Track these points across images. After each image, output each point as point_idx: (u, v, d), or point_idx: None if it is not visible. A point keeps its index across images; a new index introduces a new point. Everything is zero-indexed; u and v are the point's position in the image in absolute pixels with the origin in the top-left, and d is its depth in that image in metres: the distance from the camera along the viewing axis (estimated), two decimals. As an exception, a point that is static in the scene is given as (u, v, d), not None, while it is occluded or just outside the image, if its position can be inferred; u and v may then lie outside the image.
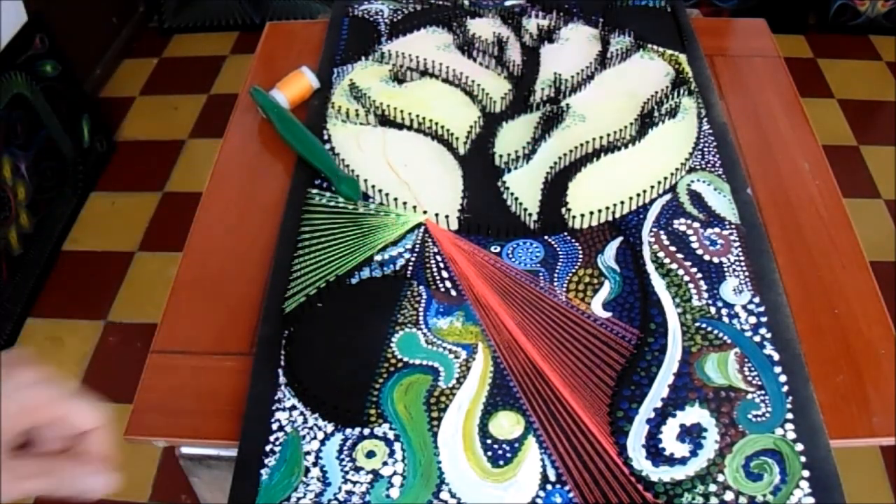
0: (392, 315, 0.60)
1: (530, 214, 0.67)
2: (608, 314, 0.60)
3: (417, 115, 0.76)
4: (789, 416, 0.53)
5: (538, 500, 0.50)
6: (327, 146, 0.75)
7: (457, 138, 0.75)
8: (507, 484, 0.51)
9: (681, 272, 0.62)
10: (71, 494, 0.42)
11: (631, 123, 0.74)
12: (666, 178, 0.69)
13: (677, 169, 0.70)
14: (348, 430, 0.54)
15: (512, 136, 0.74)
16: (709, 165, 0.71)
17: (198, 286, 0.66)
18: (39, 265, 1.68)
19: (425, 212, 0.67)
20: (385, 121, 0.77)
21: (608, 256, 0.64)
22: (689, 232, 0.65)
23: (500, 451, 0.52)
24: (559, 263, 0.64)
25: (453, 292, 0.62)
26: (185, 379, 0.59)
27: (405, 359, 0.58)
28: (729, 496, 0.49)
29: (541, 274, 0.63)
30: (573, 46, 0.85)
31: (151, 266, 1.73)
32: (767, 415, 0.53)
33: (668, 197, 0.68)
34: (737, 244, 0.64)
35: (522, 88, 0.80)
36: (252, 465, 0.52)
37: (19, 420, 0.41)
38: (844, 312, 0.61)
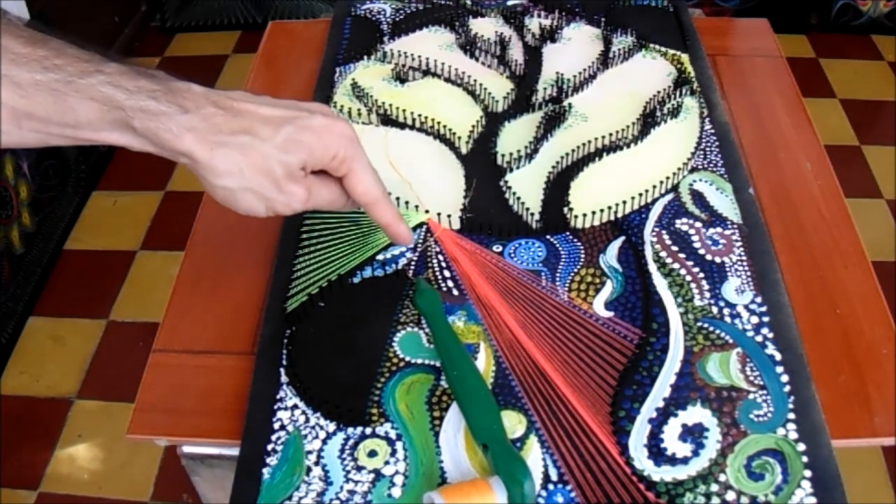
0: (394, 314, 0.60)
1: (532, 214, 0.67)
2: (610, 314, 0.60)
3: (419, 115, 0.76)
4: (791, 416, 0.53)
5: (540, 500, 0.50)
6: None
7: (459, 138, 0.75)
8: (509, 483, 0.50)
9: (683, 272, 0.62)
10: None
11: (633, 123, 0.74)
12: (668, 178, 0.69)
13: (679, 168, 0.70)
14: (350, 430, 0.54)
15: (514, 136, 0.75)
16: (711, 165, 0.71)
17: (199, 285, 0.66)
18: (41, 264, 1.68)
19: (427, 211, 0.68)
20: (387, 120, 0.77)
21: (610, 256, 0.64)
22: (692, 231, 0.65)
23: (501, 451, 0.52)
24: (561, 263, 0.64)
25: (455, 292, 0.62)
26: (186, 378, 0.59)
27: (407, 358, 0.58)
28: (731, 496, 0.49)
29: (543, 273, 0.63)
30: (575, 46, 0.85)
31: (153, 265, 1.73)
32: (769, 415, 0.53)
33: (670, 196, 0.68)
34: (739, 244, 0.64)
35: (524, 88, 0.80)
36: (254, 464, 0.52)
37: (325, 161, 0.52)
38: (846, 312, 0.61)
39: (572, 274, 0.63)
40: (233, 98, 0.50)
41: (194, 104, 0.48)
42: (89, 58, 0.47)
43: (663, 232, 0.65)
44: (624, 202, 0.67)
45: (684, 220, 0.66)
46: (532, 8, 0.90)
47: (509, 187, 0.69)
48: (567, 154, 0.72)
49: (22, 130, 0.47)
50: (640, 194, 0.68)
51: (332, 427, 0.54)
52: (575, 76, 0.80)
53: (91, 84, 0.46)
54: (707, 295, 0.61)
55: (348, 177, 0.54)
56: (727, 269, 0.62)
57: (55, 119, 0.46)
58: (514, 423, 0.54)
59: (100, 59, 0.47)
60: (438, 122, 0.76)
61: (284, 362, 0.58)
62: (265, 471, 0.52)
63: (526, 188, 0.69)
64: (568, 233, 0.66)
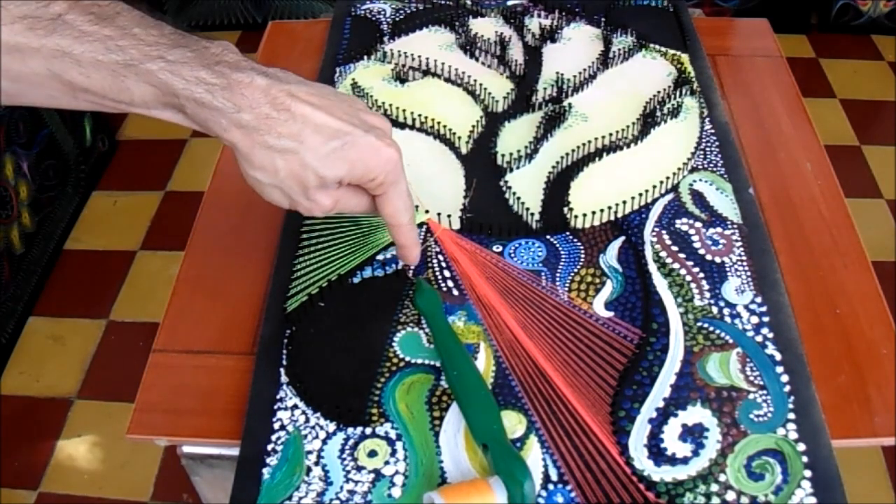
0: (394, 314, 0.60)
1: (532, 214, 0.67)
2: (610, 314, 0.60)
3: (419, 115, 0.76)
4: (791, 416, 0.53)
5: (540, 500, 0.50)
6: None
7: (459, 138, 0.75)
8: (509, 483, 0.50)
9: (683, 272, 0.62)
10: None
11: (633, 123, 0.74)
12: (668, 178, 0.69)
13: (679, 168, 0.70)
14: (350, 430, 0.54)
15: (514, 136, 0.75)
16: (711, 165, 0.71)
17: (199, 285, 0.66)
18: (41, 264, 1.68)
19: (427, 211, 0.67)
20: (387, 120, 0.77)
21: (610, 256, 0.64)
22: (692, 231, 0.65)
23: (501, 451, 0.52)
24: (561, 263, 0.64)
25: (455, 292, 0.62)
26: (186, 378, 0.59)
27: (407, 358, 0.58)
28: (731, 496, 0.49)
29: (543, 273, 0.63)
30: (575, 46, 0.85)
31: (153, 265, 1.73)
32: (769, 415, 0.53)
33: (670, 196, 0.68)
34: (739, 244, 0.64)
35: (524, 88, 0.80)
36: (254, 464, 0.52)
37: (362, 181, 0.53)
38: (846, 312, 0.61)
39: (572, 274, 0.63)
40: (294, 95, 0.49)
41: (250, 102, 0.48)
42: (154, 41, 0.47)
43: (663, 232, 0.65)
44: (624, 202, 0.67)
45: (684, 220, 0.66)
46: (532, 8, 0.90)
47: (509, 187, 0.69)
48: (567, 154, 0.72)
49: (77, 100, 0.48)
50: (640, 194, 0.68)
51: (332, 427, 0.54)
52: (575, 76, 0.80)
53: (151, 70, 0.46)
54: (707, 295, 0.61)
55: (381, 198, 0.55)
56: (727, 269, 0.62)
57: (111, 96, 0.47)
58: (514, 423, 0.54)
59: (166, 42, 0.47)
60: (438, 122, 0.76)
61: (284, 362, 0.58)
62: (265, 471, 0.52)
63: (526, 188, 0.69)
64: (568, 233, 0.66)
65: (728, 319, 0.59)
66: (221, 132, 0.48)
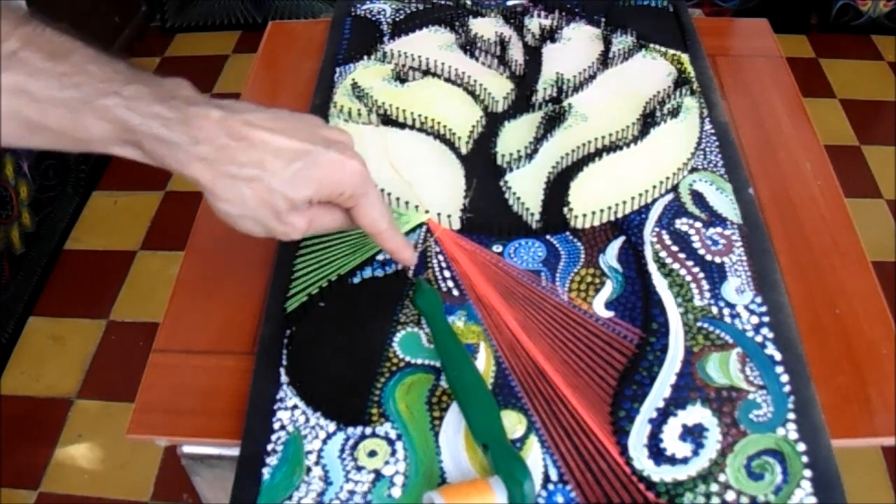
0: (394, 314, 0.60)
1: (532, 214, 0.67)
2: (610, 314, 0.60)
3: (419, 115, 0.76)
4: (791, 415, 0.53)
5: (540, 500, 0.50)
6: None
7: (459, 138, 0.75)
8: (509, 483, 0.50)
9: (683, 272, 0.62)
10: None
11: (633, 123, 0.74)
12: (668, 178, 0.69)
13: (679, 169, 0.70)
14: (350, 430, 0.54)
15: (514, 136, 0.75)
16: (711, 165, 0.71)
17: (199, 285, 0.66)
18: (41, 264, 1.68)
19: (427, 211, 0.68)
20: (387, 120, 0.77)
21: (610, 256, 0.64)
22: (691, 232, 0.65)
23: (501, 451, 0.52)
24: (561, 263, 0.64)
25: (455, 292, 0.62)
26: (186, 378, 0.59)
27: (407, 358, 0.58)
28: (730, 496, 0.49)
29: (543, 273, 0.63)
30: (575, 46, 0.85)
31: (153, 265, 1.73)
32: (769, 415, 0.53)
33: (670, 196, 0.68)
34: (739, 244, 0.64)
35: (524, 88, 0.80)
36: (254, 464, 0.52)
37: (332, 197, 0.52)
38: (846, 312, 0.61)
39: (572, 274, 0.63)
40: (250, 124, 0.49)
41: (207, 134, 0.48)
42: (110, 77, 0.47)
43: (663, 232, 0.65)
44: (624, 202, 0.67)
45: (684, 220, 0.66)
46: (532, 8, 0.90)
47: (509, 187, 0.69)
48: (567, 154, 0.72)
49: (33, 138, 0.47)
50: (640, 194, 0.68)
51: (332, 427, 0.54)
52: (575, 76, 0.80)
53: (107, 106, 0.46)
54: (707, 295, 0.61)
55: (354, 210, 0.54)
56: (727, 269, 0.62)
57: (69, 133, 0.47)
58: (514, 423, 0.54)
59: (120, 78, 0.47)
60: (438, 122, 0.76)
61: (284, 362, 0.58)
62: (265, 471, 0.52)
63: (526, 188, 0.69)
64: (568, 233, 0.66)
65: (728, 319, 0.59)
66: (182, 168, 0.48)
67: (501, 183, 0.70)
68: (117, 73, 0.47)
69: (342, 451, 0.53)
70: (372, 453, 0.53)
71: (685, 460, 0.51)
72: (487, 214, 0.68)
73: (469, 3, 0.92)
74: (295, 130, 0.51)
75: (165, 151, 0.47)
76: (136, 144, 0.48)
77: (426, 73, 0.82)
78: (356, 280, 0.63)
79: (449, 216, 0.67)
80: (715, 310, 0.60)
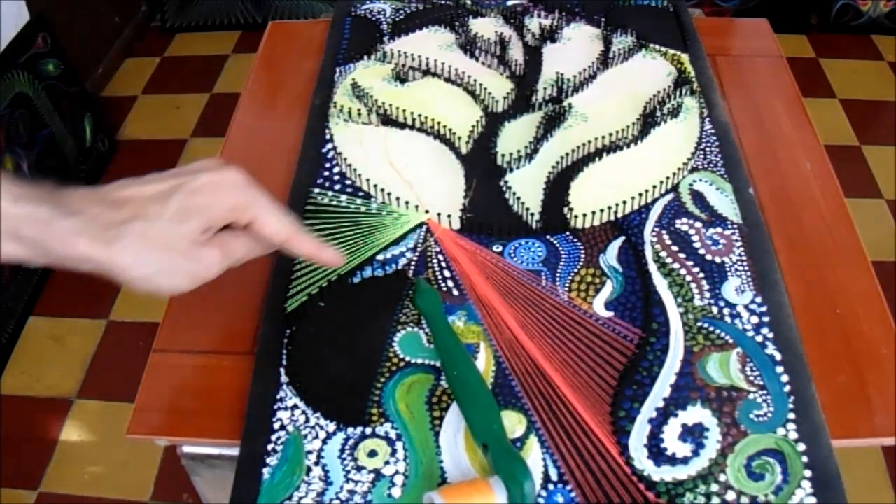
0: (394, 314, 0.60)
1: (532, 214, 0.67)
2: (610, 314, 0.60)
3: (419, 115, 0.76)
4: (791, 416, 0.53)
5: (540, 500, 0.50)
6: (329, 146, 0.75)
7: (459, 138, 0.75)
8: (509, 483, 0.50)
9: (683, 272, 0.62)
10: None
11: (633, 123, 0.74)
12: (668, 178, 0.69)
13: (679, 168, 0.70)
14: (350, 430, 0.54)
15: (514, 136, 0.74)
16: (711, 165, 0.71)
17: (199, 285, 0.66)
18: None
19: (427, 211, 0.68)
20: (387, 120, 0.77)
21: (610, 256, 0.64)
22: (692, 231, 0.65)
23: (501, 451, 0.52)
24: (561, 263, 0.64)
25: (455, 292, 0.62)
26: (186, 378, 0.59)
27: (407, 358, 0.58)
28: (731, 496, 0.49)
29: (543, 273, 0.63)
30: (575, 46, 0.85)
31: (153, 265, 1.73)
32: (769, 415, 0.53)
33: (670, 196, 0.68)
34: (739, 244, 0.64)
35: (524, 88, 0.80)
36: (254, 464, 0.52)
37: (226, 216, 0.50)
38: (846, 312, 0.61)
39: (572, 274, 0.63)
40: (116, 189, 0.48)
41: (79, 206, 0.46)
42: None
43: (663, 232, 0.65)
44: (624, 202, 0.67)
45: (684, 220, 0.66)
46: (532, 8, 0.90)
47: (509, 187, 0.69)
48: (567, 154, 0.72)
49: None
50: (640, 194, 0.68)
51: (332, 427, 0.54)
52: (575, 76, 0.80)
53: None
54: (707, 295, 0.61)
55: (253, 223, 0.52)
56: (727, 269, 0.62)
57: None
58: (514, 423, 0.54)
59: None
60: (438, 122, 0.76)
61: (284, 362, 0.58)
62: (265, 471, 0.52)
63: (526, 188, 0.69)
64: (568, 233, 0.66)
65: (728, 319, 0.59)
66: (67, 248, 0.46)
67: (501, 183, 0.70)
68: None
69: (342, 451, 0.53)
70: (372, 453, 0.53)
71: (685, 460, 0.51)
72: (487, 214, 0.68)
73: (469, 3, 0.92)
74: (160, 177, 0.49)
75: (44, 233, 0.45)
76: (14, 236, 0.45)
77: (426, 73, 0.82)
78: (356, 280, 0.63)
79: (449, 216, 0.67)
80: (715, 310, 0.60)
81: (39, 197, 0.46)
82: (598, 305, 0.60)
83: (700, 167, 0.71)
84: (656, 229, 0.66)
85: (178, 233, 0.48)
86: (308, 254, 0.55)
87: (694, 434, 0.53)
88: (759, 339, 0.58)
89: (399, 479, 0.51)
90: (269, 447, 0.53)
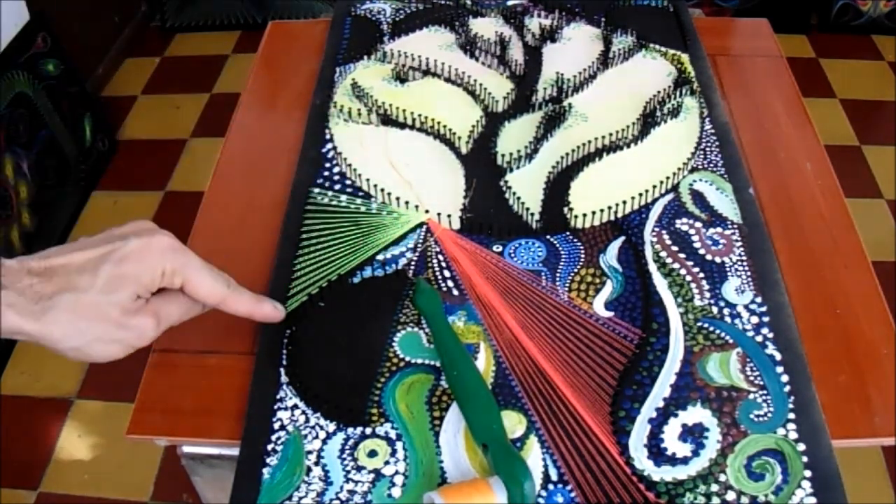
0: (394, 314, 0.60)
1: (532, 214, 0.67)
2: (610, 314, 0.60)
3: (419, 115, 0.76)
4: (791, 416, 0.53)
5: (540, 500, 0.50)
6: (329, 146, 0.75)
7: (459, 138, 0.75)
8: (509, 483, 0.50)
9: (683, 272, 0.62)
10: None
11: (633, 123, 0.74)
12: (668, 178, 0.69)
13: (679, 168, 0.70)
14: (350, 430, 0.54)
15: (514, 136, 0.74)
16: (711, 165, 0.71)
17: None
18: (41, 264, 1.67)
19: (427, 211, 0.68)
20: (387, 120, 0.77)
21: (610, 256, 0.64)
22: (692, 231, 0.65)
23: (501, 451, 0.52)
24: (561, 263, 0.64)
25: (455, 292, 0.62)
26: (186, 378, 0.59)
27: (407, 358, 0.58)
28: (731, 496, 0.49)
29: (543, 273, 0.63)
30: (575, 46, 0.85)
31: (153, 265, 1.72)
32: (769, 415, 0.53)
33: (670, 196, 0.68)
34: (739, 244, 0.64)
35: (525, 88, 0.80)
36: (254, 464, 0.52)
37: (156, 282, 0.50)
38: (846, 312, 0.61)
39: (572, 274, 0.63)
40: (45, 258, 0.47)
41: (9, 279, 0.45)
42: None
43: (663, 232, 0.65)
44: (624, 202, 0.67)
45: (684, 220, 0.66)
46: (532, 8, 0.90)
47: (509, 187, 0.69)
48: (567, 154, 0.72)
49: None
50: (640, 194, 0.68)
51: (332, 427, 0.54)
52: (575, 76, 0.80)
53: None
54: (707, 295, 0.61)
55: (186, 286, 0.51)
56: (727, 269, 0.62)
57: None
58: (514, 423, 0.54)
59: None
60: (438, 122, 0.76)
61: (284, 362, 0.58)
62: (265, 471, 0.52)
63: (526, 188, 0.69)
64: (568, 233, 0.66)
65: (728, 319, 0.59)
66: (0, 323, 0.45)
67: (501, 183, 0.70)
68: None
69: (342, 451, 0.53)
70: (372, 453, 0.53)
71: (685, 460, 0.51)
72: (487, 214, 0.68)
73: (469, 3, 0.92)
74: (89, 243, 0.49)
75: None
76: None
77: (426, 73, 0.82)
78: (356, 280, 0.63)
79: (449, 216, 0.67)
80: (715, 310, 0.60)
81: None
82: (598, 305, 0.60)
83: (700, 167, 0.71)
84: (656, 229, 0.66)
85: (109, 302, 0.47)
86: (246, 312, 0.55)
87: (694, 434, 0.53)
88: (759, 339, 0.58)
89: (399, 479, 0.51)
90: (269, 447, 0.53)
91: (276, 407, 0.55)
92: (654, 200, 0.68)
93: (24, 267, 0.46)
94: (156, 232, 0.50)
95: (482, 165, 0.72)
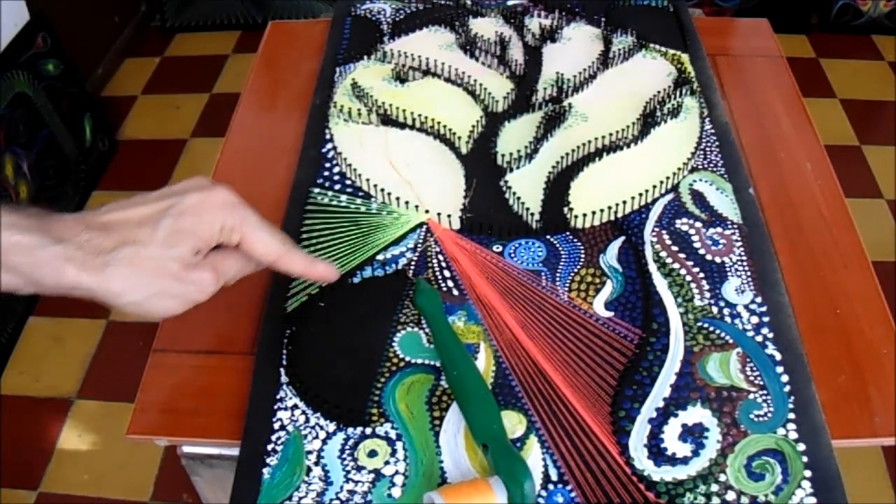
0: (394, 314, 0.60)
1: (532, 214, 0.67)
2: (610, 314, 0.60)
3: (419, 115, 0.76)
4: (791, 416, 0.53)
5: (540, 500, 0.50)
6: (329, 146, 0.75)
7: (459, 138, 0.75)
8: (509, 483, 0.50)
9: (683, 272, 0.62)
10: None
11: (633, 123, 0.74)
12: (668, 178, 0.69)
13: (679, 168, 0.70)
14: (350, 430, 0.54)
15: (514, 136, 0.74)
16: (711, 165, 0.71)
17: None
18: (41, 264, 1.67)
19: (427, 211, 0.68)
20: (387, 120, 0.77)
21: (610, 256, 0.64)
22: (692, 231, 0.65)
23: (501, 451, 0.52)
24: (561, 263, 0.64)
25: (455, 292, 0.62)
26: (186, 378, 0.59)
27: (407, 358, 0.58)
28: (731, 496, 0.49)
29: (543, 273, 0.63)
30: (575, 46, 0.85)
31: (153, 265, 1.72)
32: (769, 415, 0.53)
33: (670, 196, 0.68)
34: (739, 244, 0.64)
35: (525, 88, 0.80)
36: (254, 464, 0.52)
37: (215, 237, 0.50)
38: (846, 312, 0.61)
39: (572, 274, 0.63)
40: (104, 213, 0.48)
41: (67, 233, 0.45)
42: None
43: (663, 232, 0.65)
44: (624, 202, 0.67)
45: (684, 220, 0.66)
46: (532, 8, 0.90)
47: (509, 187, 0.69)
48: (567, 154, 0.72)
49: None
50: (640, 194, 0.68)
51: (332, 427, 0.54)
52: (575, 76, 0.80)
53: None
54: (707, 295, 0.61)
55: (243, 242, 0.51)
56: (727, 269, 0.62)
57: None
58: (514, 423, 0.54)
59: None
60: (438, 122, 0.76)
61: (284, 362, 0.58)
62: (265, 471, 0.52)
63: (526, 188, 0.69)
64: (568, 233, 0.66)
65: (728, 319, 0.59)
66: (57, 277, 0.45)
67: (501, 183, 0.70)
68: None
69: (342, 451, 0.53)
70: (372, 453, 0.53)
71: (685, 460, 0.51)
72: (487, 214, 0.68)
73: (469, 3, 0.92)
74: (147, 198, 0.49)
75: (32, 261, 0.44)
76: (4, 266, 0.45)
77: (426, 73, 0.82)
78: (356, 280, 0.63)
79: (449, 216, 0.67)
80: (715, 310, 0.60)
81: (28, 226, 0.45)
82: (598, 305, 0.60)
83: (700, 167, 0.71)
84: (656, 229, 0.66)
85: (169, 256, 0.47)
86: (300, 271, 0.55)
87: (694, 434, 0.53)
88: (759, 339, 0.58)
89: (399, 479, 0.51)
90: (269, 447, 0.53)
91: (276, 407, 0.55)
92: (654, 200, 0.68)
93: (81, 222, 0.46)
94: (214, 187, 0.50)
95: (482, 165, 0.72)
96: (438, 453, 0.52)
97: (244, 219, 0.51)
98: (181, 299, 0.50)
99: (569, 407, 0.54)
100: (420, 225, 0.67)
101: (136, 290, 0.47)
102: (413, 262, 0.64)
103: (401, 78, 0.81)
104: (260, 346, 0.59)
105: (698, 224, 0.66)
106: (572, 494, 0.50)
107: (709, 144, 0.73)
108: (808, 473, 0.50)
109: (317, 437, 0.54)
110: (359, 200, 0.69)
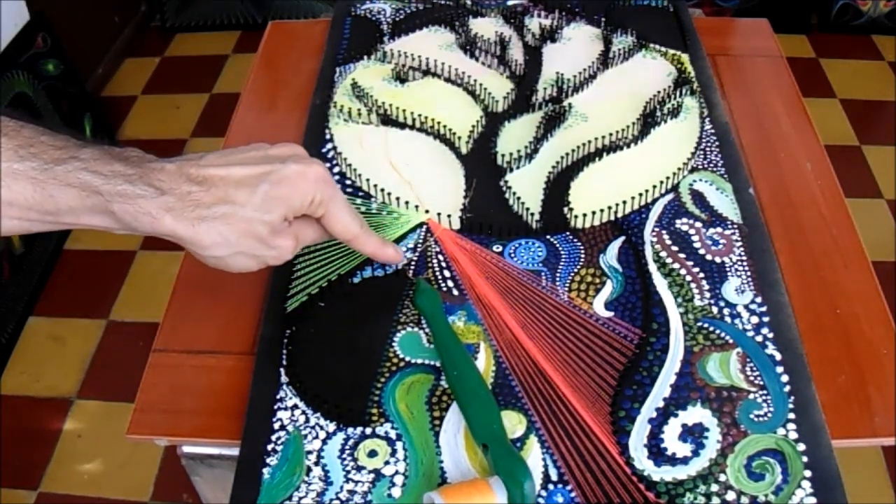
0: (394, 314, 0.60)
1: (532, 214, 0.67)
2: (610, 314, 0.60)
3: (419, 115, 0.76)
4: (791, 416, 0.53)
5: (540, 500, 0.50)
6: (329, 146, 0.75)
7: (459, 138, 0.75)
8: (509, 483, 0.50)
9: (683, 272, 0.62)
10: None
11: (633, 123, 0.74)
12: (668, 178, 0.69)
13: (679, 168, 0.70)
14: (350, 430, 0.54)
15: (514, 136, 0.74)
16: (711, 165, 0.71)
17: (200, 285, 0.66)
18: (41, 264, 1.68)
19: (427, 211, 0.68)
20: (387, 120, 0.77)
21: (610, 256, 0.64)
22: (692, 231, 0.65)
23: (501, 451, 0.52)
24: (561, 263, 0.64)
25: (455, 292, 0.62)
26: (186, 378, 0.59)
27: (407, 358, 0.58)
28: (731, 496, 0.49)
29: (543, 273, 0.63)
30: (575, 46, 0.85)
31: (153, 265, 1.73)
32: (769, 415, 0.53)
33: (670, 196, 0.68)
34: (739, 244, 0.64)
35: (525, 88, 0.80)
36: (254, 464, 0.52)
37: (304, 208, 0.53)
38: (846, 312, 0.61)
39: (572, 274, 0.63)
40: (205, 166, 0.50)
41: (169, 184, 0.48)
42: (63, 144, 0.47)
43: (663, 232, 0.65)
44: (624, 202, 0.67)
45: (684, 220, 0.66)
46: (532, 8, 0.90)
47: (509, 187, 0.69)
48: (567, 154, 0.72)
49: (6, 220, 0.46)
50: (640, 194, 0.68)
51: (332, 427, 0.54)
52: (575, 76, 0.80)
53: (68, 171, 0.46)
54: (707, 295, 0.61)
55: (326, 217, 0.55)
56: (727, 269, 0.62)
57: (36, 207, 0.46)
58: (514, 423, 0.54)
59: (74, 144, 0.47)
60: (438, 122, 0.76)
61: (284, 362, 0.58)
62: (265, 471, 0.52)
63: (526, 188, 0.69)
64: (568, 233, 0.66)
65: (728, 319, 0.59)
66: (155, 225, 0.47)
67: (501, 183, 0.70)
68: (69, 140, 0.47)
69: (342, 451, 0.53)
70: (372, 453, 0.53)
71: (685, 460, 0.51)
72: (487, 214, 0.68)
73: (469, 3, 0.92)
74: (247, 159, 0.51)
75: (135, 208, 0.47)
76: (104, 210, 0.47)
77: (426, 73, 0.82)
78: (356, 280, 0.63)
79: (449, 216, 0.67)
80: (715, 310, 0.60)
81: (131, 175, 0.47)
82: (598, 305, 0.60)
83: (700, 167, 0.71)
84: (656, 229, 0.66)
85: (261, 220, 0.50)
86: (371, 252, 0.59)
87: (694, 434, 0.53)
88: (759, 339, 0.58)
89: (399, 479, 0.51)
90: (269, 447, 0.53)
91: (276, 407, 0.55)
92: (654, 200, 0.68)
93: (182, 172, 0.49)
94: (312, 161, 0.53)
95: (482, 165, 0.72)
96: (438, 453, 0.52)
97: (332, 196, 0.54)
98: (259, 260, 0.53)
99: (569, 407, 0.54)
100: (420, 225, 0.67)
101: (224, 246, 0.50)
102: (413, 262, 0.64)
103: (401, 78, 0.81)
104: (260, 346, 0.59)
105: (698, 224, 0.66)
106: (572, 494, 0.50)
107: (709, 144, 0.73)
108: (808, 473, 0.50)
109: (317, 437, 0.54)
110: (359, 200, 0.69)
